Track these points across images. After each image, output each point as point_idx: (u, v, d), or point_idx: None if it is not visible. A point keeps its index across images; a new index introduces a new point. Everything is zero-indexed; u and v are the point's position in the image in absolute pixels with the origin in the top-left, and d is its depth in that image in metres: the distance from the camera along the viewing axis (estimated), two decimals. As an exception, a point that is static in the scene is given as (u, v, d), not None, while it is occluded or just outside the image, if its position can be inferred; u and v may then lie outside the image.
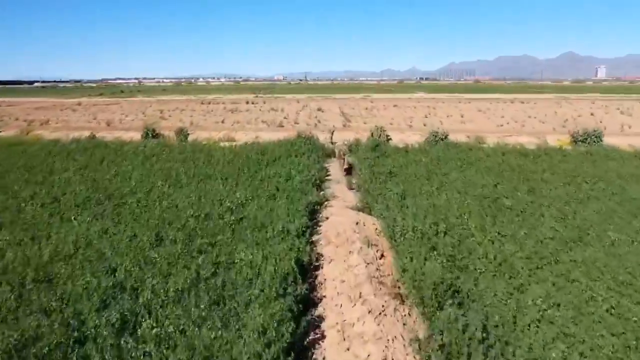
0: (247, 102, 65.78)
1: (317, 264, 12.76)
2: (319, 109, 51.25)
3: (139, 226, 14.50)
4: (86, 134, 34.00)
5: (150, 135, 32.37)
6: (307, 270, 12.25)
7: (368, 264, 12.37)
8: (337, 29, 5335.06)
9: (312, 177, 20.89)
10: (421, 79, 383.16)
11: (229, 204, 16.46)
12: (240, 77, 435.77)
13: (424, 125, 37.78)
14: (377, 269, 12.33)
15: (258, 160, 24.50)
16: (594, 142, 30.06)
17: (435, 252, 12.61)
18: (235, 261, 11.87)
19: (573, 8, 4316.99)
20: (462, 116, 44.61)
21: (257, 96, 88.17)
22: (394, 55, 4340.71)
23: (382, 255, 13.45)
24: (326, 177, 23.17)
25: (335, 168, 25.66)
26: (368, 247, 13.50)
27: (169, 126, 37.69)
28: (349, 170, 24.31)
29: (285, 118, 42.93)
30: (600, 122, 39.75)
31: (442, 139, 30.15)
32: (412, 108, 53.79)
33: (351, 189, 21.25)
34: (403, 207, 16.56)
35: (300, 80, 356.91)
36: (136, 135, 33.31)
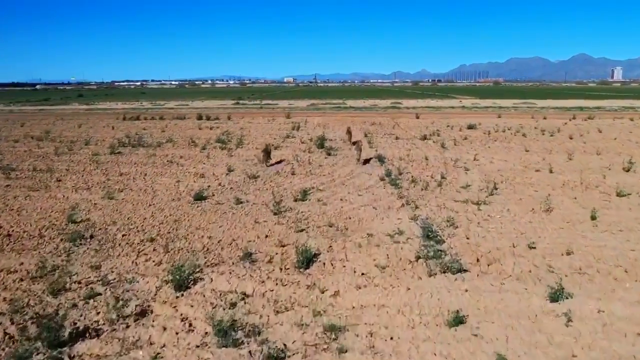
0: (201, 118, 35.19)
1: None
2: (320, 144, 20.18)
3: None
4: None
5: None
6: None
7: None
8: (346, 31, 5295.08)
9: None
10: (434, 80, 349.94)
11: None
12: (249, 79, 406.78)
13: None
14: None
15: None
16: None
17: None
18: None
19: (585, 9, 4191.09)
20: None
21: (237, 103, 58.02)
22: (403, 57, 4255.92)
23: None
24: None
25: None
26: None
27: None
28: None
29: (218, 185, 12.04)
30: None
31: None
32: (558, 143, 22.05)
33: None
34: None
35: (310, 82, 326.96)
36: None
